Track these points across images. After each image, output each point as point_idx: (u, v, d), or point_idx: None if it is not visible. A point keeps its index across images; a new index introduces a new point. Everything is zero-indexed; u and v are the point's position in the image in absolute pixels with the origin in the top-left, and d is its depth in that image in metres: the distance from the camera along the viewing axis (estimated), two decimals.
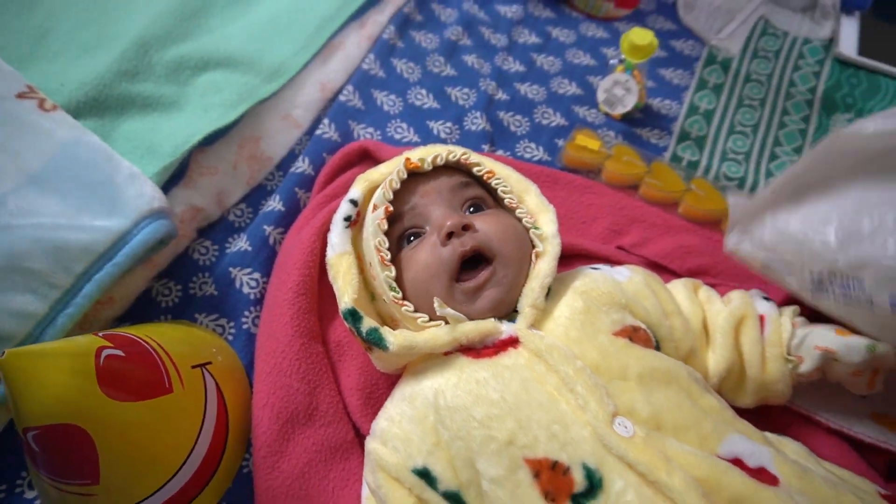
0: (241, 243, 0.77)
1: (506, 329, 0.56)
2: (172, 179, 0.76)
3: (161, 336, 0.64)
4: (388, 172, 0.65)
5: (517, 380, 0.52)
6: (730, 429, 0.53)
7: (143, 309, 0.74)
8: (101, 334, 0.56)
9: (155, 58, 0.83)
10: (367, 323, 0.58)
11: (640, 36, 0.82)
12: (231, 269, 0.75)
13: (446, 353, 0.56)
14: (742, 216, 0.63)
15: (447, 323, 0.56)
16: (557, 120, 0.90)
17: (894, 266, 0.49)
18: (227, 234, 0.80)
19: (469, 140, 0.87)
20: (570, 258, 0.76)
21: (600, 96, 0.88)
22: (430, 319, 0.57)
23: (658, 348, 0.58)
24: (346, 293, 0.59)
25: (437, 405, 0.53)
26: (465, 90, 0.93)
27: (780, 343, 0.62)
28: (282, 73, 0.85)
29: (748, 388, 0.62)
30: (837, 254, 0.53)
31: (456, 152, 0.63)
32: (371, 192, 0.65)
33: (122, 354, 0.55)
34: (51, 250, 0.64)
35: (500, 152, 0.87)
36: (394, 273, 0.58)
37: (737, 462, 0.50)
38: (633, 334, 0.56)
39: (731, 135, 0.90)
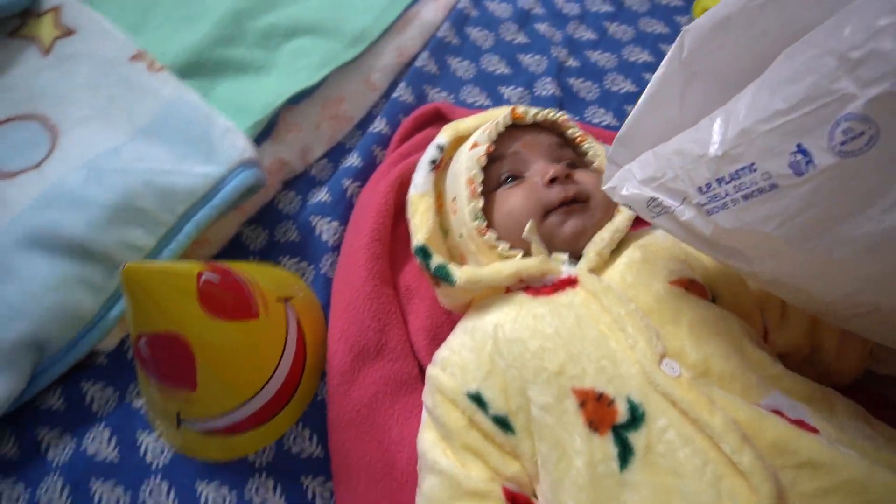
0: (322, 195, 0.84)
1: (565, 270, 0.59)
2: (261, 135, 0.84)
3: (250, 270, 0.71)
4: (475, 125, 0.71)
5: (572, 316, 0.55)
6: (775, 385, 0.53)
7: (234, 251, 0.82)
8: (202, 264, 0.63)
9: (247, 26, 0.90)
10: (437, 259, 0.63)
11: (713, 1, 0.83)
12: (312, 217, 0.82)
13: (508, 291, 0.61)
14: (616, 152, 0.54)
15: (524, 256, 0.61)
16: (627, 86, 0.92)
17: (776, 125, 0.39)
18: (310, 187, 0.87)
19: (538, 104, 0.90)
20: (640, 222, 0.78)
21: None
22: (511, 248, 0.62)
23: (714, 298, 0.59)
24: (420, 230, 0.65)
25: (495, 337, 0.57)
26: (537, 57, 0.95)
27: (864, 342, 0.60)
28: (363, 40, 0.91)
29: (814, 367, 0.62)
30: (712, 145, 0.43)
31: (555, 113, 0.69)
32: (457, 140, 0.70)
33: (218, 279, 0.62)
34: (159, 192, 0.73)
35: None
36: (481, 204, 0.63)
37: (778, 413, 0.51)
38: (689, 285, 0.58)
39: None
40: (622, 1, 1.02)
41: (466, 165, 0.64)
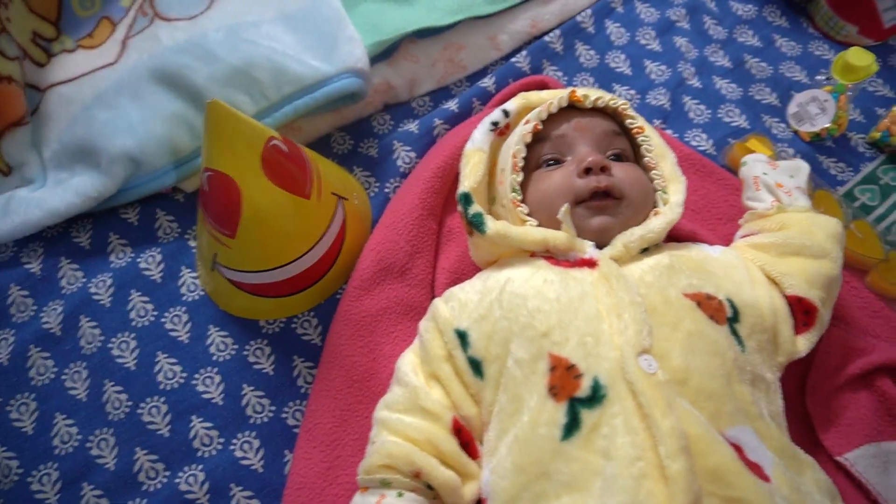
0: (412, 125, 0.89)
1: (590, 251, 0.60)
2: (381, 55, 0.90)
3: (321, 161, 0.78)
4: (546, 98, 0.72)
5: (577, 290, 0.57)
6: (748, 421, 0.53)
7: (320, 147, 0.89)
8: (278, 134, 0.70)
9: None
10: (476, 208, 0.65)
11: (857, 56, 0.78)
12: (395, 142, 0.88)
13: (532, 255, 0.63)
14: None
15: None
16: (740, 121, 0.89)
17: None
18: (405, 116, 0.92)
19: (644, 111, 0.90)
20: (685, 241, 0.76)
21: (791, 108, 0.85)
22: (539, 226, 0.63)
23: (736, 318, 0.58)
24: (467, 179, 0.68)
25: (503, 287, 0.60)
26: (662, 67, 0.95)
27: None
28: (503, 0, 0.95)
29: None
30: None
31: (617, 100, 0.68)
32: (526, 109, 0.72)
33: (285, 150, 0.69)
34: (274, 69, 0.81)
35: (668, 131, 0.89)
36: (520, 178, 0.65)
37: (736, 448, 0.50)
38: (703, 301, 0.57)
39: None
40: (773, 40, 0.97)
41: (515, 140, 0.66)
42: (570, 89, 0.68)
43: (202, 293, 0.80)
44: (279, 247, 0.72)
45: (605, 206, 0.62)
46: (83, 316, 0.78)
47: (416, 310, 0.75)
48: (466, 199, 0.66)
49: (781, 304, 0.62)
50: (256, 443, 0.71)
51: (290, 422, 0.72)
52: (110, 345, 0.77)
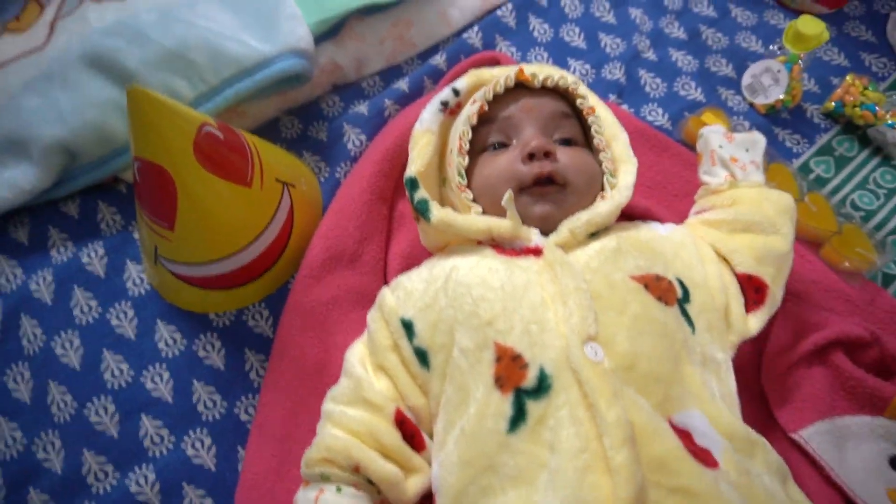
0: (362, 107, 0.86)
1: (535, 239, 0.59)
2: (325, 35, 0.86)
3: (263, 146, 0.75)
4: (498, 75, 0.70)
5: (522, 278, 0.56)
6: (696, 403, 0.52)
7: (267, 131, 0.86)
8: (213, 120, 0.67)
9: None
10: (422, 193, 0.63)
11: (808, 24, 0.77)
12: (345, 124, 0.85)
13: (479, 244, 0.61)
14: None
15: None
16: (696, 95, 0.88)
17: None
18: (355, 97, 0.89)
19: (599, 86, 0.88)
20: (638, 218, 0.76)
21: (745, 80, 0.84)
22: (483, 213, 0.62)
23: (686, 298, 0.58)
24: (414, 163, 0.66)
25: (449, 276, 0.58)
26: (617, 40, 0.93)
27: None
28: None
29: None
30: None
31: (567, 79, 0.66)
32: (477, 87, 0.70)
33: (220, 136, 0.66)
34: (212, 51, 0.78)
35: (623, 106, 0.87)
36: (466, 162, 0.63)
37: (684, 434, 0.50)
38: (651, 282, 0.56)
39: (883, 166, 0.82)
40: (728, 10, 0.96)
41: (461, 120, 0.64)
42: (518, 67, 0.66)
43: (148, 287, 0.77)
44: (222, 237, 0.69)
45: (548, 193, 0.60)
46: (24, 315, 0.75)
47: (368, 298, 0.73)
48: (412, 184, 0.64)
49: (732, 282, 0.61)
50: (208, 440, 0.69)
51: (243, 417, 0.71)
52: (53, 343, 0.74)
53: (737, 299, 0.61)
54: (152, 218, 0.67)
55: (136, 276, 0.78)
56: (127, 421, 0.70)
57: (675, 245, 0.62)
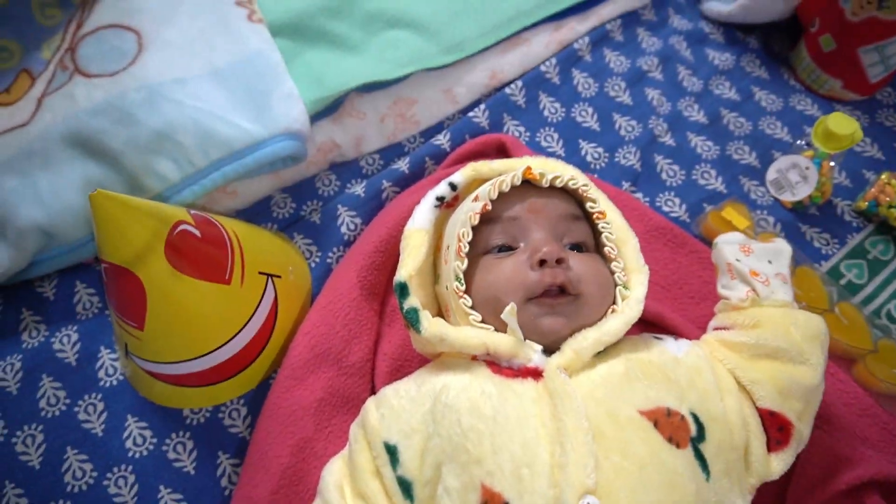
0: (358, 188, 0.81)
1: (536, 359, 0.53)
2: (324, 112, 0.83)
3: (247, 236, 0.70)
4: (499, 170, 0.65)
5: (517, 408, 0.50)
6: None
7: (259, 210, 0.82)
8: (192, 213, 0.63)
9: (357, 4, 0.90)
10: (412, 301, 0.58)
11: (840, 123, 0.71)
12: (340, 206, 0.80)
13: (473, 358, 0.56)
14: None
15: (496, 330, 0.55)
16: (716, 185, 0.82)
17: None
18: (352, 176, 0.85)
19: (612, 172, 0.83)
20: (649, 324, 0.69)
21: (770, 175, 0.78)
22: (482, 321, 0.57)
23: (701, 437, 0.51)
24: (405, 266, 0.60)
25: (438, 397, 0.53)
26: (633, 122, 0.88)
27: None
28: (459, 50, 0.88)
29: None
30: None
31: (578, 180, 0.61)
32: (475, 182, 0.65)
33: (197, 234, 0.62)
34: (200, 133, 0.74)
35: (638, 195, 0.82)
36: (464, 266, 0.58)
37: None
38: (662, 419, 0.50)
39: None
40: (752, 93, 0.90)
41: (461, 219, 0.59)
42: (524, 164, 0.61)
43: (121, 377, 0.73)
44: (196, 337, 0.64)
45: (559, 305, 0.55)
46: None
47: (353, 402, 0.68)
48: (402, 290, 0.59)
49: (753, 418, 0.55)
50: None
51: None
52: (14, 439, 0.69)
53: (758, 438, 0.54)
54: (121, 317, 0.62)
55: (110, 365, 0.73)
56: None
57: (691, 371, 0.55)
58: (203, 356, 0.65)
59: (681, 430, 0.51)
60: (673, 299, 0.72)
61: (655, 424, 0.50)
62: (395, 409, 0.55)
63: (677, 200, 0.81)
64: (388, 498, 0.53)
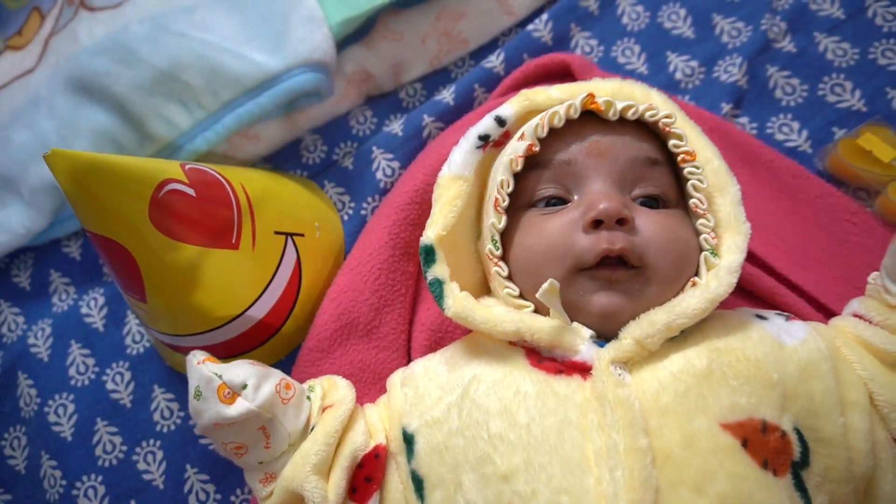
0: (395, 126, 0.69)
1: (585, 351, 0.43)
2: (354, 35, 0.70)
3: (262, 191, 0.61)
4: (559, 98, 0.51)
5: (558, 416, 0.40)
6: None
7: (288, 156, 0.73)
8: (188, 167, 0.54)
9: None
10: (437, 271, 0.49)
11: None
12: (375, 148, 0.69)
13: (511, 343, 0.46)
14: None
15: (536, 310, 0.46)
16: (853, 101, 0.63)
17: None
18: (391, 111, 0.73)
19: (710, 92, 0.66)
20: (755, 298, 0.54)
21: None
22: (520, 297, 0.47)
23: (805, 461, 0.39)
24: (435, 224, 0.50)
25: (467, 389, 0.45)
26: (739, 24, 0.68)
27: None
28: None
29: None
30: None
31: (657, 112, 0.47)
32: (529, 114, 0.51)
33: (192, 194, 0.53)
34: (208, 70, 0.65)
35: (743, 120, 0.64)
36: (503, 224, 0.47)
37: None
38: (754, 436, 0.38)
39: None
40: None
41: (504, 163, 0.47)
42: (586, 90, 0.48)
43: (148, 343, 0.68)
44: (205, 309, 0.57)
45: (618, 280, 0.43)
46: (20, 372, 0.68)
47: (385, 379, 0.59)
48: (428, 255, 0.49)
49: (888, 444, 0.40)
50: None
51: None
52: (47, 408, 0.66)
53: (891, 471, 0.40)
54: (124, 290, 0.56)
55: (137, 332, 0.68)
56: None
57: (803, 369, 0.41)
58: (219, 328, 0.58)
59: (780, 453, 0.39)
60: (787, 261, 0.56)
61: (745, 444, 0.38)
62: (422, 391, 0.48)
63: (796, 125, 0.63)
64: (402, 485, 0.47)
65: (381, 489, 0.47)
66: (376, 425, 0.50)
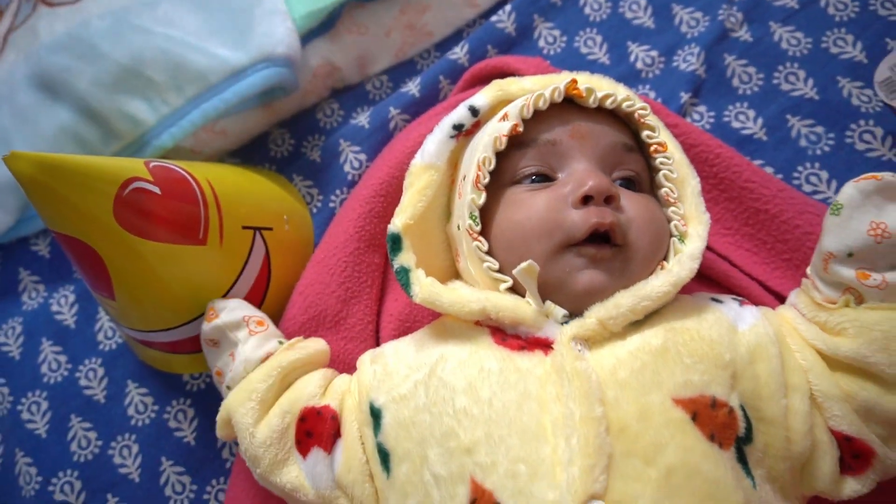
0: (363, 118, 0.70)
1: (547, 328, 0.44)
2: (319, 29, 0.70)
3: (228, 186, 0.61)
4: (532, 89, 0.52)
5: (518, 390, 0.42)
6: None
7: (255, 150, 0.73)
8: (152, 165, 0.54)
9: None
10: (404, 259, 0.50)
11: None
12: (342, 141, 0.70)
13: (477, 323, 0.48)
14: None
15: (513, 291, 0.47)
16: (805, 90, 0.64)
17: None
18: (358, 103, 0.74)
19: (668, 81, 0.67)
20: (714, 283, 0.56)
21: (880, 74, 0.59)
22: (499, 271, 0.47)
23: (749, 437, 0.41)
24: (403, 212, 0.51)
25: (434, 368, 0.46)
26: (697, 14, 0.70)
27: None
28: None
29: None
30: None
31: (634, 103, 0.49)
32: (501, 104, 0.52)
33: (157, 192, 0.53)
34: (172, 66, 0.65)
35: (700, 109, 0.66)
36: (482, 201, 0.48)
37: None
38: (704, 411, 0.40)
39: None
40: None
41: (484, 143, 0.48)
42: (569, 77, 0.49)
43: (120, 339, 0.68)
44: (175, 305, 0.57)
45: (602, 258, 0.44)
46: None
47: (354, 370, 0.60)
48: (394, 243, 0.50)
49: (824, 431, 0.42)
50: None
51: None
52: (20, 406, 0.67)
53: (829, 453, 0.42)
54: (91, 287, 0.56)
55: (109, 328, 0.69)
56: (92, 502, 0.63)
57: (752, 350, 0.43)
58: (189, 323, 0.59)
59: (726, 427, 0.40)
60: (761, 255, 0.57)
61: (694, 418, 0.40)
62: (390, 368, 0.49)
63: (752, 113, 0.64)
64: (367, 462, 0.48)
65: (333, 454, 0.49)
66: (337, 390, 0.52)
